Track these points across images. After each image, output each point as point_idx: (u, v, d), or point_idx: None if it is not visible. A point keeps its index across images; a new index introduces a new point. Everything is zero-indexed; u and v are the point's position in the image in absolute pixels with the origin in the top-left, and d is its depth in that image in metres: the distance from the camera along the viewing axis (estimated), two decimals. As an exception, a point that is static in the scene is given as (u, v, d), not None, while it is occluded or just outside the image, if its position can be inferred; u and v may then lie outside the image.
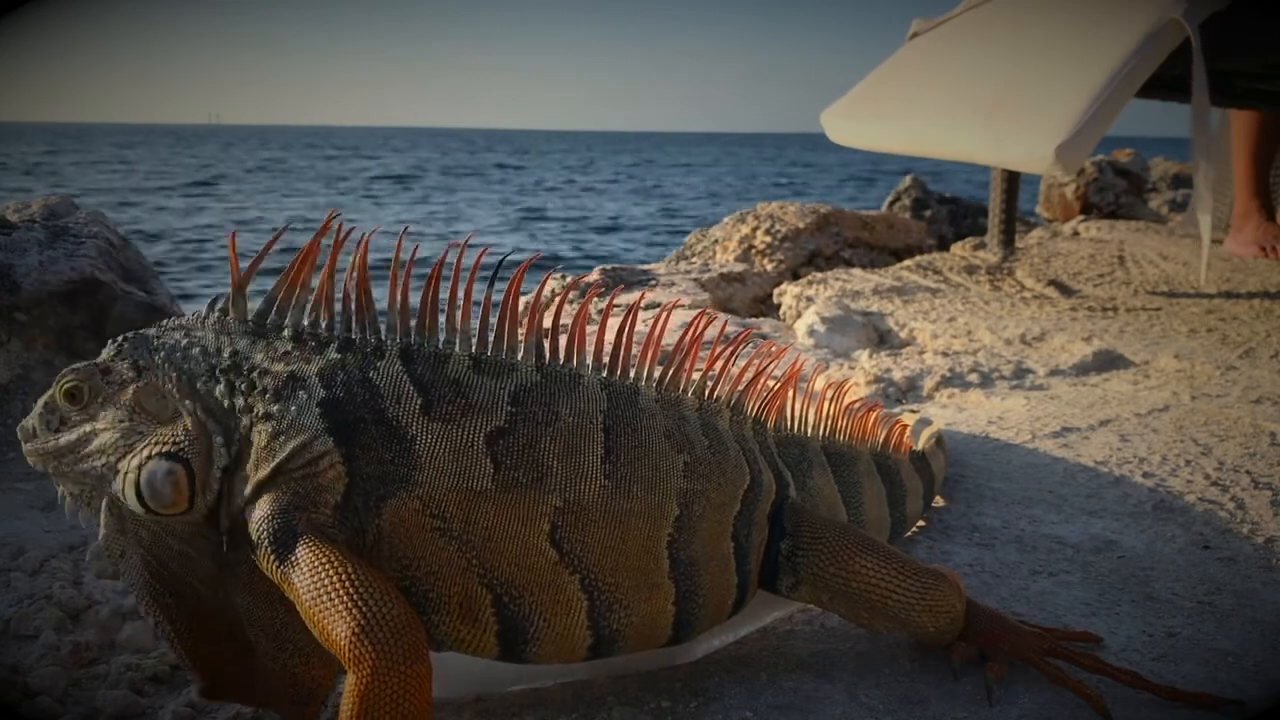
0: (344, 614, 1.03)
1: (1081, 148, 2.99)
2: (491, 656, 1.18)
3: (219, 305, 1.18)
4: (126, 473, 1.12)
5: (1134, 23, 3.08)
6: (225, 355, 1.15)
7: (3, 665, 1.41)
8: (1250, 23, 3.19)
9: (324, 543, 1.08)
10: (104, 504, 1.17)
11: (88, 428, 1.16)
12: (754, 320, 3.89)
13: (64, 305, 2.39)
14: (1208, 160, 3.23)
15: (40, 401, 1.20)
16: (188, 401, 1.14)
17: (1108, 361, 3.11)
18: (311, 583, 1.05)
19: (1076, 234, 5.72)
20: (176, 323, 1.19)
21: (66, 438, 1.16)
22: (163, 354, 1.16)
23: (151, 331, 1.19)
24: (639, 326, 1.29)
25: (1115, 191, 6.83)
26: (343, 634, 1.02)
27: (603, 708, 1.30)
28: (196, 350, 1.16)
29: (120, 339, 1.19)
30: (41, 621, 1.51)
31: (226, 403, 1.13)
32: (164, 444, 1.13)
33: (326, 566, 1.06)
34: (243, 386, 1.14)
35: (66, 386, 1.17)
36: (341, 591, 1.04)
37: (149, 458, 1.13)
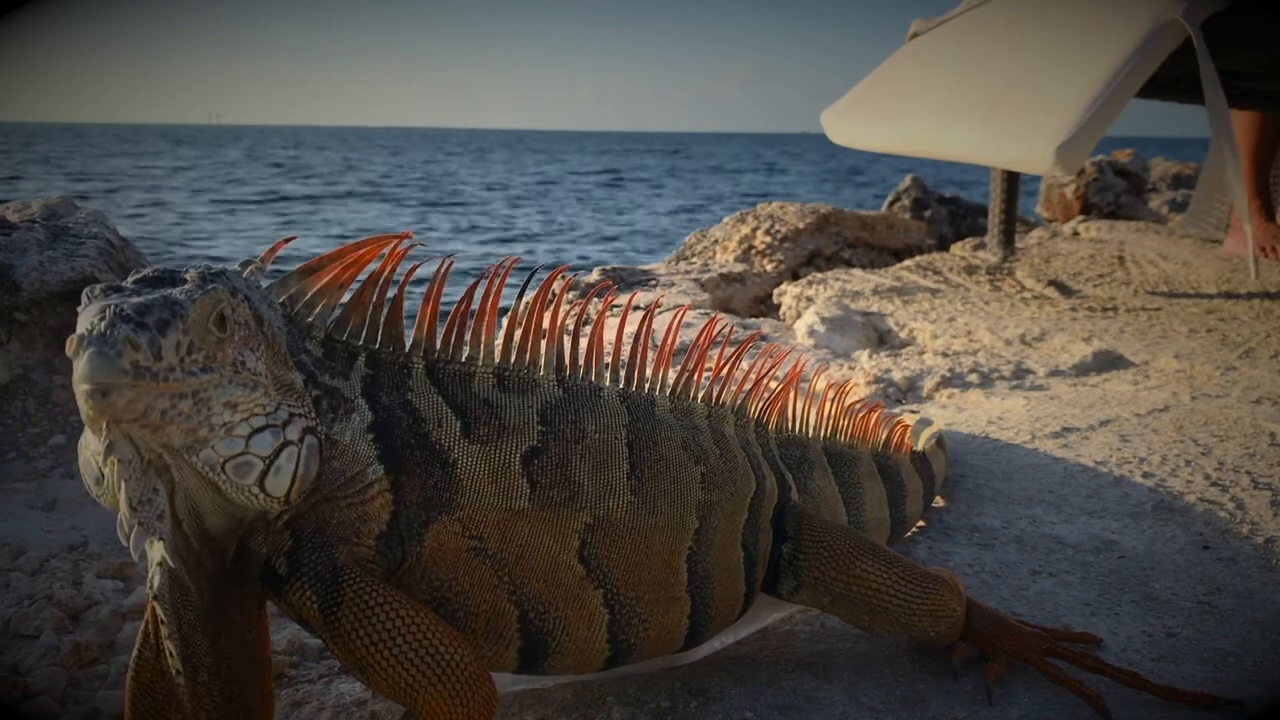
0: (415, 664, 1.00)
1: (1082, 148, 2.99)
2: (509, 671, 1.17)
3: (249, 270, 1.04)
4: (286, 444, 0.96)
5: (1134, 23, 3.08)
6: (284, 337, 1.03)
7: (3, 665, 1.41)
8: (1250, 22, 3.19)
9: (377, 583, 1.02)
10: (163, 486, 0.94)
11: (219, 373, 0.92)
12: (754, 320, 3.89)
13: (64, 305, 2.39)
14: (1236, 158, 3.20)
15: (157, 309, 0.88)
16: (300, 375, 1.02)
17: (1108, 362, 3.11)
18: (370, 628, 1.00)
19: (1076, 234, 5.72)
20: (235, 273, 1.01)
21: (205, 376, 0.91)
22: (265, 306, 1.01)
23: (234, 272, 1.00)
24: (632, 328, 1.29)
25: (1115, 191, 6.83)
26: (417, 685, 1.00)
27: (603, 708, 1.30)
28: (275, 316, 1.03)
29: (223, 275, 0.97)
30: (41, 621, 1.51)
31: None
32: (307, 415, 1.00)
33: (385, 610, 1.01)
34: (308, 384, 1.04)
35: (220, 309, 0.93)
36: (408, 638, 1.00)
37: (305, 430, 0.98)
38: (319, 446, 1.00)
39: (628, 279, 4.21)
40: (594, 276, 4.12)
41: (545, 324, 1.19)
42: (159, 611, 1.01)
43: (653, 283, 4.17)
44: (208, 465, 0.93)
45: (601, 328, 1.24)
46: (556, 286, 1.20)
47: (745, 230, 5.25)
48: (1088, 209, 6.75)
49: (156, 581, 0.99)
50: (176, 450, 0.92)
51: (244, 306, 0.96)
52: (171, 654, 1.01)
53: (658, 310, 1.27)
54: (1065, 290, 4.24)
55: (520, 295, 1.21)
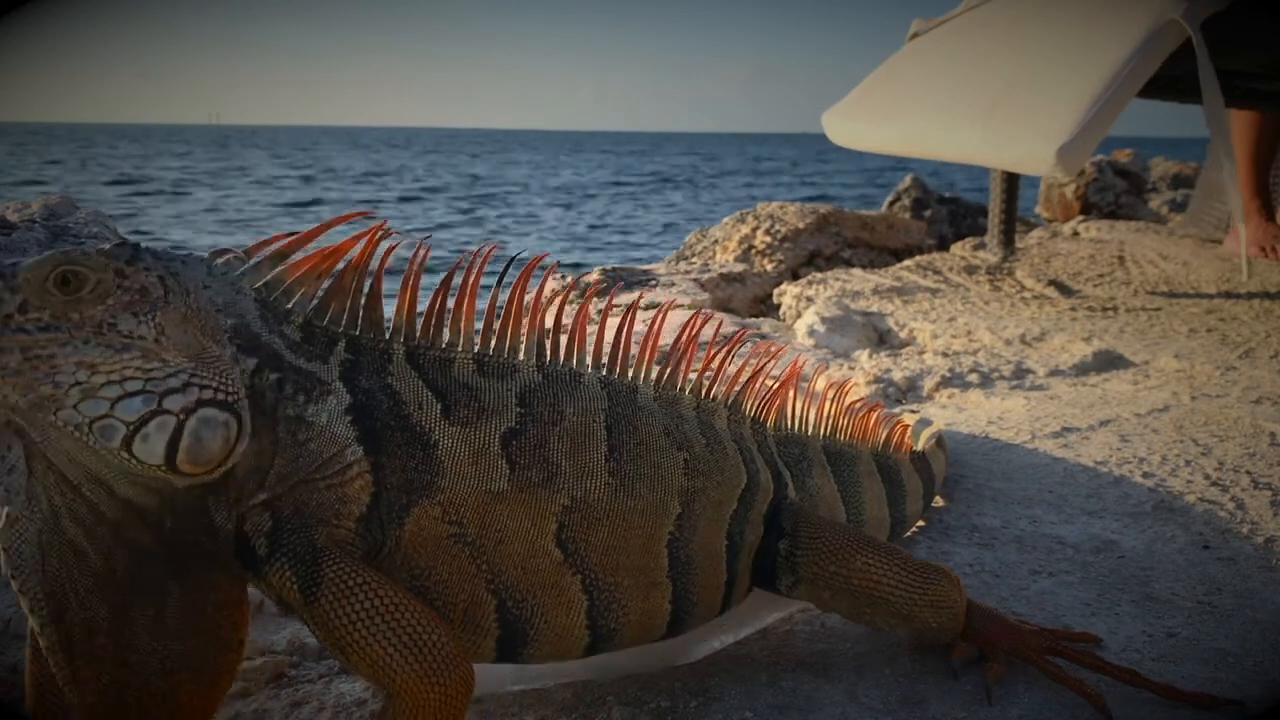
0: (392, 644, 1.00)
1: (1082, 149, 2.98)
2: (487, 661, 1.17)
3: (224, 258, 1.06)
4: (161, 412, 0.94)
5: (1134, 23, 3.08)
6: (252, 320, 1.04)
7: (3, 665, 1.41)
8: (1250, 22, 3.19)
9: (357, 564, 1.02)
10: (18, 445, 0.95)
11: (69, 332, 0.93)
12: (754, 320, 3.89)
13: (64, 305, 2.38)
14: (1231, 160, 3.20)
15: None
16: (231, 349, 1.01)
17: (1108, 361, 3.11)
18: (349, 608, 1.00)
19: (1076, 234, 5.72)
20: (192, 256, 1.04)
21: (44, 335, 0.92)
22: (196, 283, 1.01)
23: (164, 251, 1.02)
24: (638, 326, 1.29)
25: (1115, 191, 6.83)
26: (394, 664, 1.00)
27: (603, 708, 1.30)
28: (241, 299, 1.04)
29: (129, 245, 0.99)
30: (41, 621, 1.51)
31: (261, 377, 1.03)
32: (217, 389, 0.98)
33: (365, 590, 1.01)
34: (272, 365, 1.04)
35: (63, 269, 0.94)
36: (387, 618, 1.00)
37: (200, 402, 0.96)
38: (234, 423, 0.98)
39: (628, 279, 4.21)
40: (594, 276, 4.12)
41: (526, 311, 1.20)
42: (4, 566, 0.97)
43: (653, 283, 4.17)
44: (72, 425, 0.93)
45: (584, 318, 1.25)
46: (554, 284, 1.20)
47: (745, 230, 5.25)
48: (1088, 209, 6.75)
49: (6, 537, 0.97)
50: (23, 410, 0.92)
51: (144, 276, 0.96)
52: (32, 611, 0.97)
53: (642, 305, 1.28)
54: (1065, 290, 4.24)
55: (499, 282, 1.21)
